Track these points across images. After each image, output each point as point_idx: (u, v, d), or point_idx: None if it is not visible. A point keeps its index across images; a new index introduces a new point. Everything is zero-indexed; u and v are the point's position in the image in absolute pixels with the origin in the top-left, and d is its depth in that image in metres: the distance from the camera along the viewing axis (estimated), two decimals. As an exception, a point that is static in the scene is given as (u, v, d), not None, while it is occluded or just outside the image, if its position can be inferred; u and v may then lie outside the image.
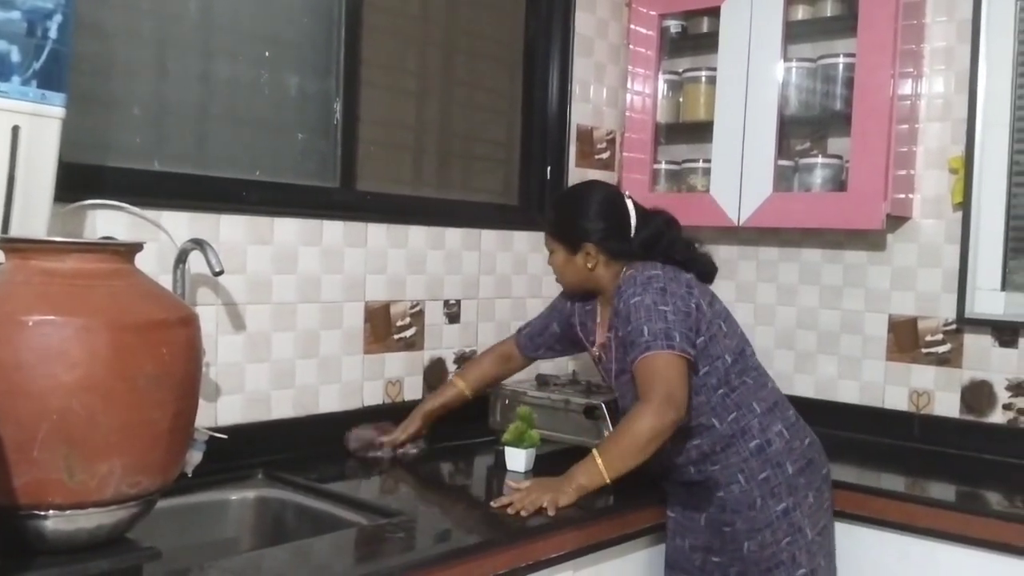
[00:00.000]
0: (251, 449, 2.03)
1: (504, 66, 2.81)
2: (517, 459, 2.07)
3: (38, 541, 1.15)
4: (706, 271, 2.04)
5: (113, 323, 1.11)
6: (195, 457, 1.83)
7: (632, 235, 1.99)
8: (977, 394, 2.49)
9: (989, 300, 2.42)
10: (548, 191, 2.79)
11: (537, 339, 2.26)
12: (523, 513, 1.72)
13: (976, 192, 2.42)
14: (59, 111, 1.56)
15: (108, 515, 1.16)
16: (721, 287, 2.92)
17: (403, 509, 1.78)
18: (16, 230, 1.49)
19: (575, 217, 2.01)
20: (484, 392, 2.31)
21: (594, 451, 1.82)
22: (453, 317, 2.55)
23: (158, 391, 1.14)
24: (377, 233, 2.35)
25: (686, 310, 1.86)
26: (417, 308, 2.45)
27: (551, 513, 1.73)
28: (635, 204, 2.04)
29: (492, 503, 1.78)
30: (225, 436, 1.92)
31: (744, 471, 1.93)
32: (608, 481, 1.79)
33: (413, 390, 2.45)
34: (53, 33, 1.53)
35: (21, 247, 1.18)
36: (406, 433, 2.19)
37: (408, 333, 2.43)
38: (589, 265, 1.99)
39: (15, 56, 1.49)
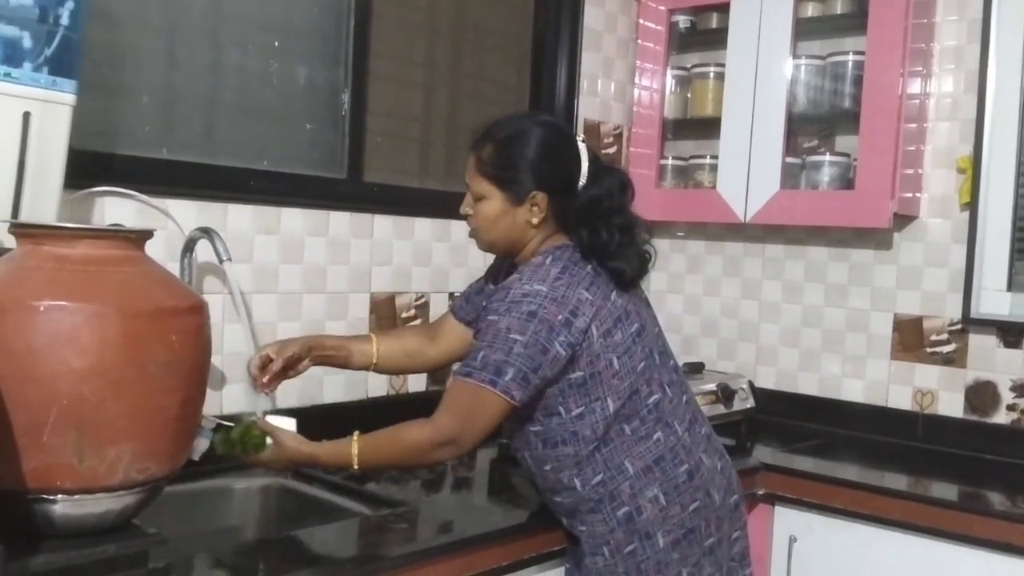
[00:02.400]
0: (256, 438, 2.02)
1: (512, 59, 2.81)
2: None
3: (46, 525, 1.16)
4: (622, 275, 1.63)
5: (124, 309, 1.12)
6: (202, 444, 1.83)
7: (578, 191, 1.64)
8: (981, 394, 2.49)
9: (995, 300, 2.42)
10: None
11: (474, 299, 1.88)
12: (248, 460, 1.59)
13: (984, 192, 2.42)
14: (70, 98, 1.56)
15: (116, 500, 1.17)
16: (727, 283, 2.94)
17: (406, 499, 1.79)
18: (26, 216, 1.49)
19: (522, 156, 1.62)
20: (390, 369, 1.99)
21: (354, 439, 1.57)
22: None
23: (167, 378, 1.15)
24: (383, 225, 2.35)
25: (545, 345, 1.52)
26: (422, 300, 2.46)
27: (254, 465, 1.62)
28: (590, 151, 1.68)
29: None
30: (231, 424, 1.93)
31: (610, 543, 1.62)
32: (356, 470, 1.58)
33: (417, 382, 2.45)
34: (65, 20, 1.53)
35: (33, 232, 1.18)
36: (279, 363, 1.77)
37: (414, 325, 2.43)
38: (534, 220, 1.63)
39: (27, 42, 1.50)
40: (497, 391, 1.51)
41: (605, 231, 1.61)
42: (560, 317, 1.53)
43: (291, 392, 2.16)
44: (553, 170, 1.63)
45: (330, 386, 2.25)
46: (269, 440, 1.61)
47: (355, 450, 1.56)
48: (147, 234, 1.24)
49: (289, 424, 1.67)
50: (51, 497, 1.13)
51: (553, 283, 1.56)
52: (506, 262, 1.80)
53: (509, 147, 1.63)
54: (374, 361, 1.88)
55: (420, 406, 2.39)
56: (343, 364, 1.88)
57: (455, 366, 1.59)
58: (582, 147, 1.66)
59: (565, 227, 1.66)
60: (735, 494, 1.77)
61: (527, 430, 1.65)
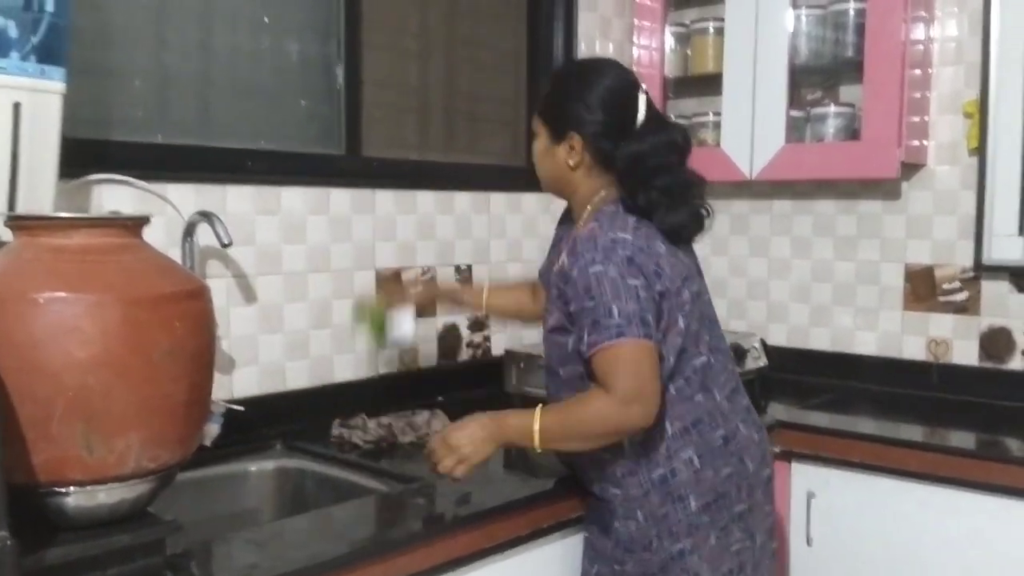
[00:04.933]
0: (268, 420, 2.03)
1: (507, 23, 2.76)
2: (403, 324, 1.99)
3: (60, 517, 1.15)
4: (677, 230, 1.61)
5: (125, 298, 1.10)
6: (213, 429, 1.83)
7: (629, 141, 1.59)
8: (996, 341, 2.47)
9: (1006, 246, 2.38)
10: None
11: (548, 260, 1.92)
12: (439, 469, 1.55)
13: (992, 136, 2.37)
14: (60, 86, 1.54)
15: (128, 489, 1.16)
16: (734, 242, 2.92)
17: (422, 475, 1.78)
18: (21, 207, 1.48)
19: (570, 99, 1.62)
20: (503, 315, 2.20)
21: (537, 413, 1.54)
22: (465, 282, 2.53)
23: (173, 364, 1.13)
24: (385, 200, 2.33)
25: (652, 291, 1.53)
26: (428, 274, 2.44)
27: (455, 476, 1.54)
28: (650, 105, 1.63)
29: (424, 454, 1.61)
30: (242, 408, 1.93)
31: (644, 507, 1.61)
32: (537, 448, 1.54)
33: (428, 357, 2.44)
34: (50, 6, 1.51)
35: (28, 224, 1.16)
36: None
37: (420, 299, 2.42)
38: (571, 162, 1.63)
39: (12, 31, 1.47)
40: (652, 342, 1.51)
41: (643, 193, 1.57)
42: (651, 266, 1.54)
43: (301, 372, 2.16)
44: (597, 116, 1.60)
45: (340, 365, 2.24)
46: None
47: (537, 427, 1.52)
48: (144, 220, 1.22)
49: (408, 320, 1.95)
50: (63, 489, 1.12)
51: (635, 232, 1.55)
52: (564, 227, 1.81)
53: (560, 86, 1.68)
54: (482, 311, 2.14)
55: (432, 380, 2.42)
56: (455, 306, 2.22)
57: (589, 334, 1.51)
58: (642, 98, 1.62)
59: (604, 195, 1.65)
60: (769, 467, 1.76)
61: (589, 384, 1.58)
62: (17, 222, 1.19)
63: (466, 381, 2.47)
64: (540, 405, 1.56)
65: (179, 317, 1.14)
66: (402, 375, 2.37)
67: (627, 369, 1.49)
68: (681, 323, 1.59)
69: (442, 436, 1.57)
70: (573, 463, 1.72)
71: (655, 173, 1.57)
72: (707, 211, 1.65)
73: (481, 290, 2.08)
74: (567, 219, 1.80)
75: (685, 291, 1.59)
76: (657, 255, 1.55)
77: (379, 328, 1.99)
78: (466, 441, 1.54)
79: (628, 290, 1.49)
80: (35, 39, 1.50)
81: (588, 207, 1.65)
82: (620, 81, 1.64)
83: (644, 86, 1.66)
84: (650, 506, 1.61)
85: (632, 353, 1.49)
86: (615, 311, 1.48)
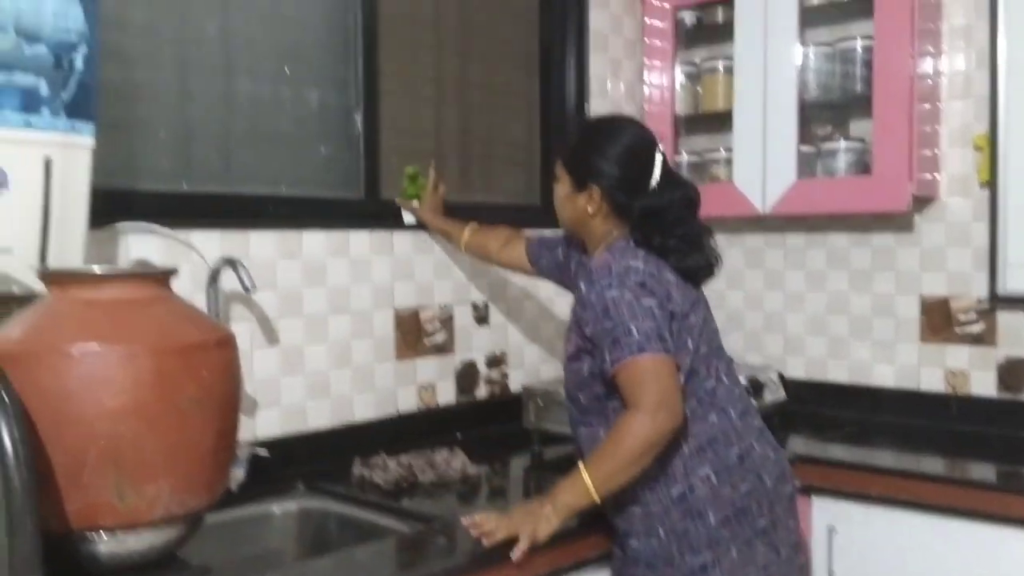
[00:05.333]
0: (291, 461, 2.05)
1: (520, 67, 2.82)
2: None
3: (92, 564, 1.18)
4: (696, 272, 1.75)
5: (155, 348, 1.14)
6: (238, 474, 1.86)
7: (642, 196, 1.72)
8: (1014, 372, 2.47)
9: (1021, 277, 2.39)
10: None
11: (546, 245, 2.12)
12: (498, 536, 1.57)
13: (1002, 168, 2.40)
14: (89, 141, 1.59)
15: (158, 535, 1.19)
16: (749, 276, 2.94)
17: (442, 514, 1.80)
18: (53, 258, 1.52)
19: (593, 152, 1.76)
20: (476, 255, 2.33)
21: (581, 466, 1.62)
22: (482, 320, 2.56)
23: (201, 412, 1.17)
24: (403, 240, 2.37)
25: (664, 308, 1.63)
26: (446, 313, 2.47)
27: (516, 555, 1.55)
28: (665, 163, 1.75)
29: (464, 520, 1.64)
30: (267, 453, 1.96)
31: (665, 523, 1.68)
32: (598, 500, 1.60)
33: (446, 394, 2.47)
34: (79, 64, 1.57)
35: (60, 278, 1.20)
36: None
37: (439, 338, 2.45)
38: (590, 209, 1.76)
39: (44, 89, 1.53)
40: (671, 356, 1.60)
41: (658, 237, 1.70)
42: (662, 290, 1.64)
43: (322, 412, 2.19)
44: (616, 172, 1.73)
45: (360, 404, 2.27)
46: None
47: (587, 479, 1.59)
48: (171, 272, 1.27)
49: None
50: (95, 536, 1.16)
51: (645, 260, 1.67)
52: (575, 251, 2.00)
53: (585, 139, 1.81)
54: (462, 245, 2.29)
55: (451, 418, 2.44)
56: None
57: (611, 353, 1.60)
58: (658, 157, 1.74)
59: (618, 237, 1.76)
60: (788, 484, 1.80)
61: (607, 405, 1.70)
62: (50, 276, 1.23)
63: (484, 418, 2.49)
64: (580, 464, 1.63)
65: (207, 366, 1.18)
66: (421, 413, 2.40)
67: (650, 381, 1.58)
68: (690, 344, 1.69)
69: (500, 515, 1.62)
70: None
71: (674, 225, 1.71)
72: (717, 259, 1.78)
73: (463, 229, 2.28)
74: (580, 247, 1.96)
75: (692, 316, 1.70)
76: (667, 282, 1.66)
77: (412, 193, 2.38)
78: (521, 517, 1.60)
79: (644, 310, 1.60)
80: (65, 96, 1.56)
81: (602, 245, 1.77)
82: (639, 140, 1.77)
83: (661, 145, 1.78)
84: (671, 522, 1.67)
85: (654, 366, 1.58)
86: (634, 330, 1.58)
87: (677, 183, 1.77)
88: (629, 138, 1.77)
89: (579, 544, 1.72)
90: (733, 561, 1.67)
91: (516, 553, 1.55)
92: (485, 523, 1.60)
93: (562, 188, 1.81)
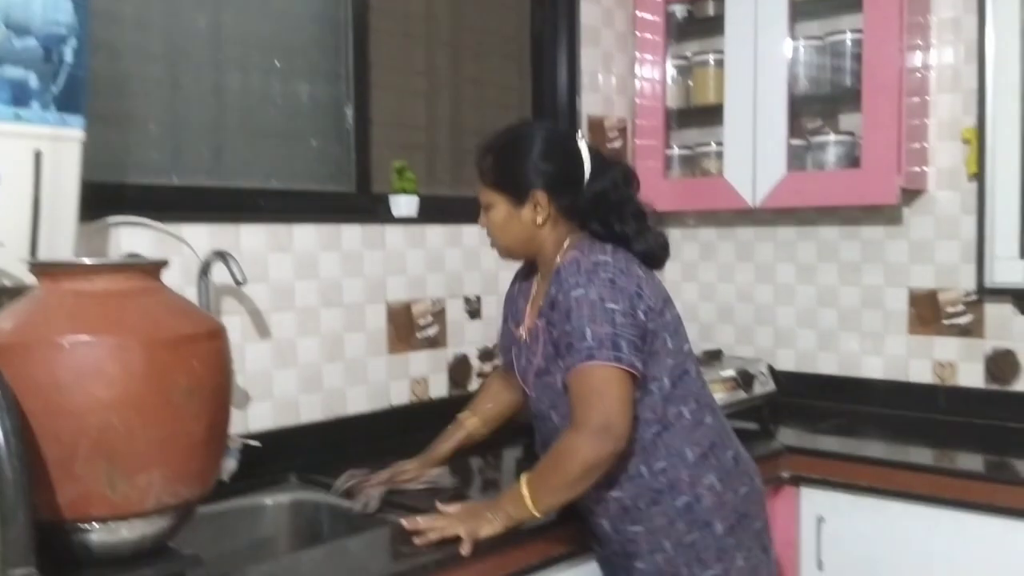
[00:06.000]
0: (283, 454, 2.06)
1: (512, 61, 2.83)
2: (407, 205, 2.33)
3: (84, 553, 1.19)
4: (654, 253, 1.68)
5: (146, 340, 1.14)
6: (230, 465, 1.87)
7: (583, 187, 1.67)
8: (1001, 363, 2.49)
9: (1008, 269, 2.41)
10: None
11: (505, 340, 1.89)
12: (432, 537, 1.53)
13: (990, 161, 2.41)
14: (79, 133, 1.59)
15: (150, 525, 1.20)
16: (740, 269, 2.95)
17: (434, 507, 1.80)
18: (43, 252, 1.53)
19: (519, 161, 1.67)
20: (501, 423, 2.00)
21: (522, 479, 1.56)
22: (474, 313, 2.57)
23: (192, 403, 1.17)
24: (395, 234, 2.38)
25: (633, 313, 1.55)
26: (438, 306, 2.48)
27: (466, 550, 1.52)
28: (589, 147, 1.71)
29: (404, 522, 1.59)
30: (258, 443, 1.96)
31: (671, 536, 1.61)
32: (538, 516, 1.56)
33: (439, 388, 2.47)
34: (69, 57, 1.57)
35: (51, 270, 1.21)
36: (413, 473, 1.91)
37: (431, 332, 2.46)
38: (538, 220, 1.66)
39: (33, 82, 1.53)
40: (622, 366, 1.50)
41: (617, 223, 1.65)
42: (633, 288, 1.57)
43: (315, 405, 2.19)
44: (550, 168, 1.66)
45: (353, 397, 2.28)
46: None
47: (526, 492, 1.54)
48: (162, 264, 1.27)
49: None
50: (87, 526, 1.16)
51: (614, 254, 1.61)
52: (516, 284, 1.87)
53: (506, 153, 1.69)
54: (480, 432, 1.97)
55: (444, 410, 2.44)
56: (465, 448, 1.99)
57: (565, 358, 1.55)
58: (582, 144, 1.70)
59: (582, 225, 1.70)
60: (760, 478, 1.80)
61: None
62: (40, 268, 1.23)
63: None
64: (522, 475, 1.57)
65: (198, 357, 1.18)
66: (414, 406, 2.40)
67: (592, 397, 1.50)
68: (670, 343, 1.63)
69: (444, 512, 1.60)
70: (589, 502, 1.67)
71: (622, 205, 1.67)
72: (665, 236, 1.73)
73: (467, 422, 1.97)
74: (524, 277, 1.85)
75: (667, 311, 1.64)
76: (637, 276, 1.60)
77: (399, 187, 2.34)
78: (463, 516, 1.57)
79: (604, 313, 1.52)
80: (55, 89, 1.56)
81: (557, 258, 1.67)
82: (557, 134, 1.75)
83: (580, 132, 1.74)
84: (677, 534, 1.61)
85: (600, 378, 1.50)
86: (588, 333, 1.51)
87: (610, 163, 1.72)
88: (546, 134, 1.72)
89: (571, 532, 1.73)
90: (740, 570, 1.65)
91: (464, 549, 1.51)
92: (422, 523, 1.56)
93: (498, 212, 1.69)
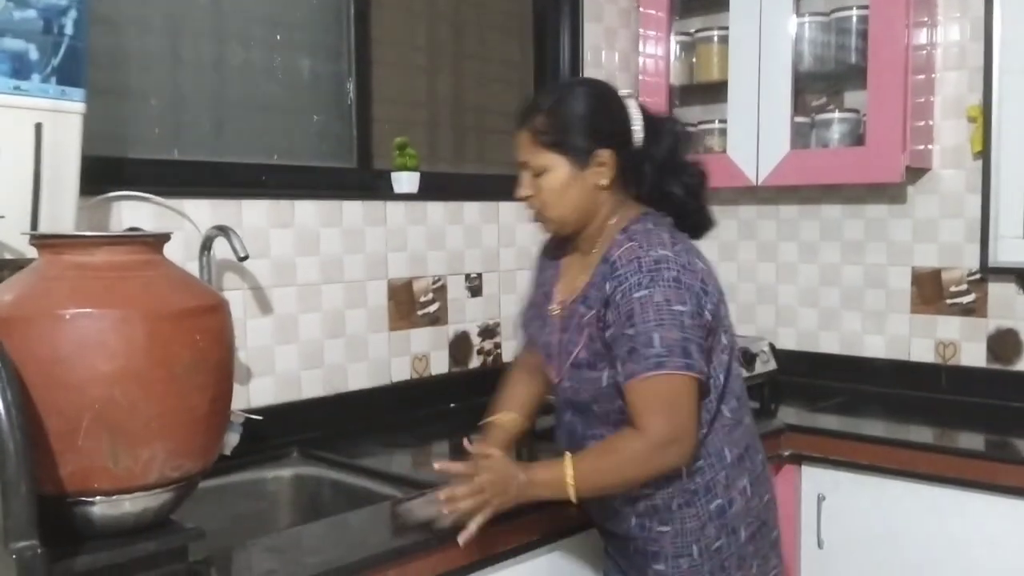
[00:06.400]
0: (285, 429, 2.06)
1: (514, 36, 2.80)
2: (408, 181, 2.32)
3: (86, 527, 1.19)
4: (705, 225, 1.61)
5: (148, 313, 1.14)
6: (233, 439, 1.87)
7: (643, 147, 1.54)
8: (1003, 343, 2.49)
9: (1012, 248, 2.40)
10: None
11: (532, 318, 1.75)
12: (462, 507, 1.42)
13: (996, 140, 2.40)
14: (79, 106, 1.58)
15: (153, 498, 1.20)
16: (742, 247, 2.94)
17: (436, 480, 1.80)
18: (44, 225, 1.52)
19: (581, 116, 1.53)
20: (541, 408, 1.84)
21: (567, 461, 1.46)
22: (475, 291, 2.56)
23: (195, 377, 1.17)
24: (396, 211, 2.37)
25: (700, 313, 1.44)
26: (439, 283, 2.47)
27: (463, 539, 1.43)
28: (636, 103, 1.58)
29: (441, 495, 1.45)
30: (260, 417, 1.96)
31: (700, 540, 1.52)
32: (573, 499, 1.46)
33: (439, 364, 2.47)
34: (69, 29, 1.55)
35: (53, 243, 1.20)
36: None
37: (432, 308, 2.45)
38: (603, 181, 1.52)
39: (33, 54, 1.51)
40: (694, 374, 1.41)
41: (679, 187, 1.56)
42: (697, 285, 1.45)
43: (316, 381, 2.19)
44: (608, 124, 1.54)
45: (354, 373, 2.28)
46: None
47: (571, 478, 1.43)
48: (165, 237, 1.26)
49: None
50: (89, 499, 1.16)
51: (673, 248, 1.47)
52: (543, 259, 1.72)
53: (561, 110, 1.54)
54: (520, 426, 1.77)
55: (445, 387, 2.45)
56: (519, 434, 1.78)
57: (625, 365, 1.43)
58: (629, 100, 1.57)
59: (638, 189, 1.57)
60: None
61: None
62: (42, 240, 1.22)
63: (477, 388, 2.48)
64: (568, 454, 1.48)
65: (200, 331, 1.18)
66: (415, 383, 2.40)
67: (663, 407, 1.41)
68: (724, 339, 1.54)
69: (471, 479, 1.44)
70: (617, 501, 1.57)
71: (683, 167, 1.58)
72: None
73: (502, 419, 1.77)
74: (555, 248, 1.70)
75: (722, 305, 1.54)
76: (701, 272, 1.48)
77: (401, 163, 2.34)
78: (496, 489, 1.43)
79: (672, 316, 1.40)
80: (55, 61, 1.55)
81: (604, 231, 1.56)
82: (606, 89, 1.59)
83: (627, 91, 1.60)
84: (706, 539, 1.53)
85: (669, 388, 1.41)
86: (656, 340, 1.40)
87: (663, 120, 1.60)
88: (597, 89, 1.58)
89: (569, 509, 1.73)
90: None
91: (464, 536, 1.43)
92: (458, 492, 1.43)
93: (557, 176, 1.53)
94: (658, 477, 1.48)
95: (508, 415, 1.77)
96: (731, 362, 1.55)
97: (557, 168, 1.53)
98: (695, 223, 1.59)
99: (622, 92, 1.58)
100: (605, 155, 1.52)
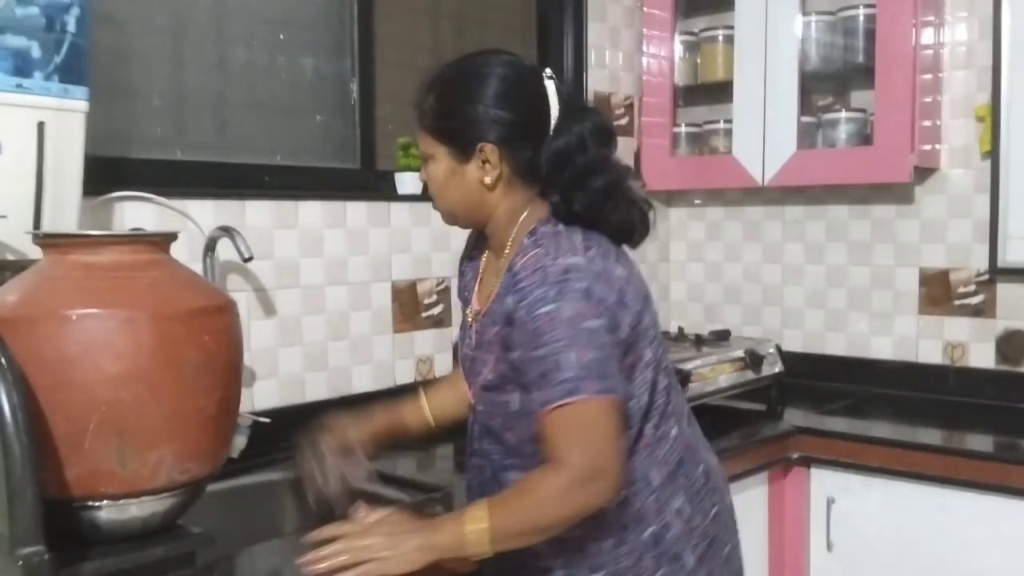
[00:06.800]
0: (289, 431, 2.03)
1: (518, 36, 2.79)
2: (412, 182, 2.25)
3: (93, 531, 1.17)
4: (624, 229, 1.34)
5: (155, 313, 1.12)
6: (240, 442, 1.85)
7: (547, 139, 1.32)
8: (1012, 344, 2.47)
9: (1021, 249, 2.39)
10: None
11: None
12: (335, 564, 1.19)
13: (1004, 139, 2.38)
14: (82, 105, 1.56)
15: (160, 502, 1.18)
16: (748, 248, 2.92)
17: (441, 483, 1.79)
18: (47, 225, 1.50)
19: (468, 101, 1.31)
20: (449, 424, 1.61)
21: (482, 508, 1.23)
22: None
23: (203, 378, 1.15)
24: (400, 212, 2.35)
25: (617, 326, 1.26)
26: (443, 285, 2.45)
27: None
28: (561, 93, 1.34)
29: (313, 536, 1.26)
30: (268, 420, 1.94)
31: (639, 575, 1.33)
32: (488, 549, 1.21)
33: (444, 367, 2.45)
34: (71, 27, 1.53)
35: (59, 242, 1.18)
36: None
37: (436, 311, 2.43)
38: (487, 180, 1.32)
39: (36, 52, 1.49)
40: (614, 397, 1.22)
41: (580, 194, 1.31)
42: (612, 296, 1.26)
43: (320, 383, 2.17)
44: (506, 115, 1.31)
45: (358, 375, 2.25)
46: None
47: (487, 525, 1.20)
48: (172, 236, 1.24)
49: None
50: (96, 503, 1.14)
51: (586, 253, 1.27)
52: (473, 250, 1.53)
53: (451, 92, 1.33)
54: (429, 419, 1.59)
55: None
56: (402, 434, 1.59)
57: (539, 391, 1.23)
58: (550, 85, 1.33)
59: (543, 192, 1.36)
60: (730, 495, 1.52)
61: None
62: (47, 240, 1.21)
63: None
64: (474, 504, 1.26)
65: (208, 331, 1.16)
66: (419, 385, 2.37)
67: (582, 438, 1.21)
68: (649, 354, 1.34)
69: (361, 525, 1.25)
70: (507, 558, 1.28)
71: (588, 170, 1.31)
72: (649, 205, 1.39)
73: (419, 397, 1.62)
74: (472, 252, 1.53)
75: (646, 315, 1.34)
76: (618, 280, 1.29)
77: (405, 163, 2.29)
78: (387, 543, 1.21)
79: (585, 335, 1.21)
80: (58, 59, 1.53)
81: (512, 232, 1.36)
82: (518, 69, 1.35)
83: (549, 71, 1.36)
84: (645, 573, 1.34)
85: (587, 416, 1.21)
86: (568, 362, 1.20)
87: (582, 110, 1.36)
88: (504, 70, 1.33)
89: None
90: None
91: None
92: (328, 551, 1.20)
93: (439, 166, 1.35)
94: (585, 517, 1.25)
95: (426, 406, 1.59)
96: (657, 377, 1.36)
97: (438, 157, 1.35)
98: (616, 230, 1.34)
99: (544, 72, 1.35)
100: (488, 150, 1.31)
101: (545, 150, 1.31)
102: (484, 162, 1.32)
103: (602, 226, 1.33)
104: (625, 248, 1.39)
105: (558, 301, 1.21)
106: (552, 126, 1.32)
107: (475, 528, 1.21)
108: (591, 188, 1.31)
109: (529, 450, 1.31)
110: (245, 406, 1.97)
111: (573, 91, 1.47)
